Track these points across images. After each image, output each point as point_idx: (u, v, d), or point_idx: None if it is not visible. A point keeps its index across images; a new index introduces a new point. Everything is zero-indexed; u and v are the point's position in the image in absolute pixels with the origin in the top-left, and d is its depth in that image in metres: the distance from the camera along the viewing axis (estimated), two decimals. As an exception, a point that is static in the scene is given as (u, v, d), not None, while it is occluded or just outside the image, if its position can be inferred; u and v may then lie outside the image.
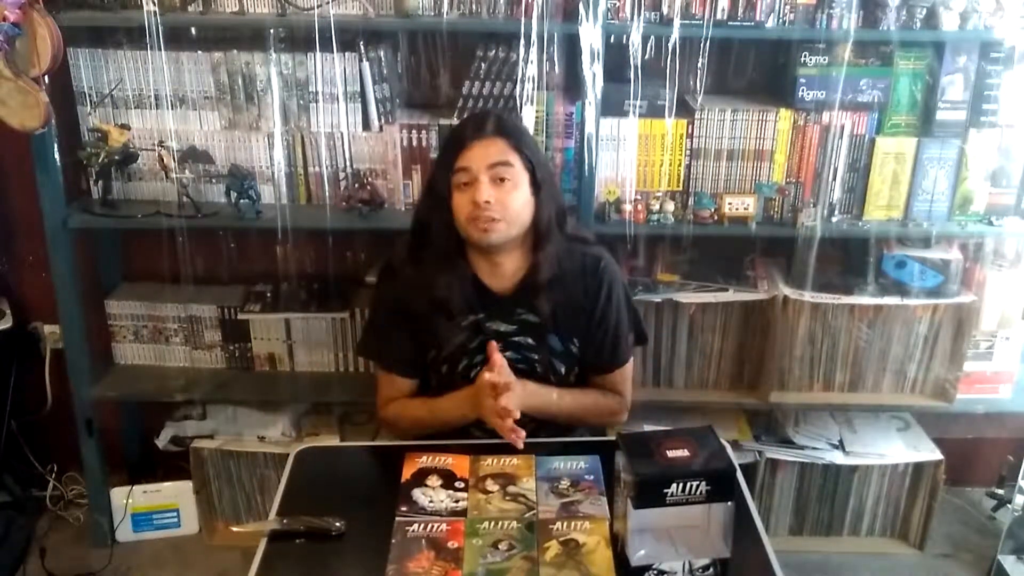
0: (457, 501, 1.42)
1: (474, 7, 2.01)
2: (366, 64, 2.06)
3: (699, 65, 2.01)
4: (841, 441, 2.35)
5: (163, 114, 2.09)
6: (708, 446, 1.26)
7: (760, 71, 2.26)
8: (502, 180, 1.56)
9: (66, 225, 2.10)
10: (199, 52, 2.06)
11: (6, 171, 2.32)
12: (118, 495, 2.39)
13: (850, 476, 2.35)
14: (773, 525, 2.39)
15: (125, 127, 2.07)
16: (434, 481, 1.46)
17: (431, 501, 1.42)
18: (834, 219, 2.14)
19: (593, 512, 1.39)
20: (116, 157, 2.06)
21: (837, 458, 2.31)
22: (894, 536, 2.43)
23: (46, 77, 1.90)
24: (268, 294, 2.32)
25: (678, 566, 1.25)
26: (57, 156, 2.03)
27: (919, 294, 2.16)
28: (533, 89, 1.99)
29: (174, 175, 2.08)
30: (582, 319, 1.69)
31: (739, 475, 1.35)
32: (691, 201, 2.14)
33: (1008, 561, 2.27)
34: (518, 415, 1.53)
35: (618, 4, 1.97)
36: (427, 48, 2.22)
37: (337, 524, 1.36)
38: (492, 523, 1.37)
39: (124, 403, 2.47)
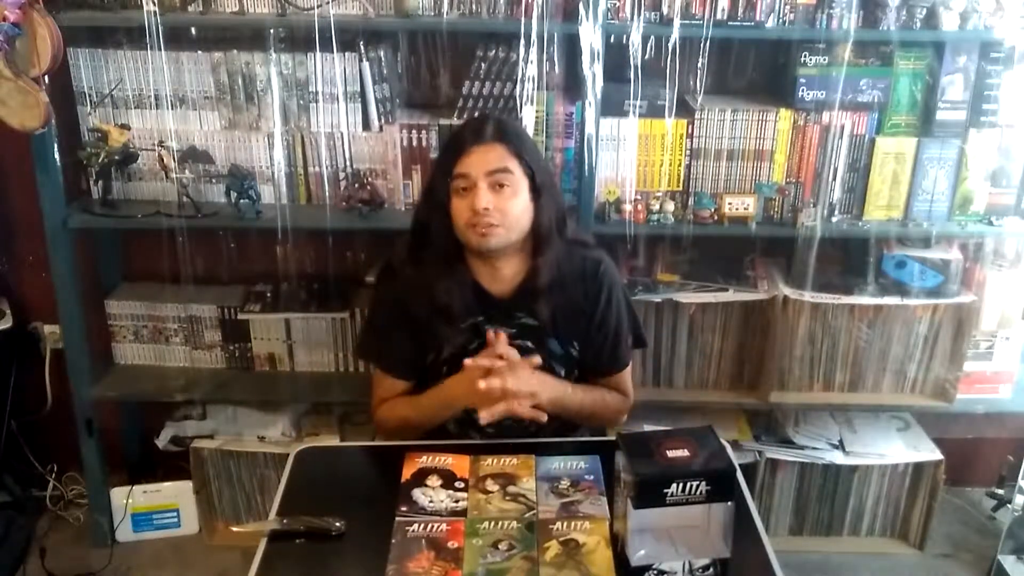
0: (457, 501, 1.41)
1: (474, 7, 2.01)
2: (366, 64, 2.06)
3: (699, 65, 2.01)
4: (841, 441, 2.35)
5: (163, 114, 2.09)
6: (708, 446, 1.26)
7: (760, 71, 2.26)
8: (501, 186, 1.55)
9: (66, 225, 2.10)
10: (199, 52, 2.06)
11: (6, 171, 2.33)
12: (118, 495, 2.39)
13: (850, 476, 2.35)
14: (773, 525, 2.39)
15: (125, 127, 2.08)
16: (434, 481, 1.46)
17: (431, 501, 1.41)
18: (834, 219, 2.14)
19: (593, 512, 1.39)
20: (116, 157, 2.06)
21: (837, 458, 2.31)
22: (894, 536, 2.44)
23: (46, 77, 1.90)
24: (268, 294, 2.32)
25: (678, 566, 1.25)
26: (57, 156, 2.03)
27: (919, 294, 2.16)
28: (533, 89, 1.99)
29: (174, 175, 2.08)
30: (582, 322, 1.69)
31: (739, 475, 1.35)
32: (691, 201, 2.14)
33: (1008, 561, 2.27)
34: (520, 391, 1.54)
35: (618, 4, 1.97)
36: (427, 48, 2.22)
37: (337, 524, 1.36)
38: (492, 523, 1.37)
39: (124, 403, 2.47)
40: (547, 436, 1.65)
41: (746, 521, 1.38)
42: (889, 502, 2.40)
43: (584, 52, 1.93)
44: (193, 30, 2.05)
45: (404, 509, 1.40)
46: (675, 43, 1.96)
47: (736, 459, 1.38)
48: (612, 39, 1.96)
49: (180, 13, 1.99)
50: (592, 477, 1.47)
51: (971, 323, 2.19)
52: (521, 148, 1.59)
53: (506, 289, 1.66)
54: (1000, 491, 2.44)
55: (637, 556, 1.25)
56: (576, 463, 1.51)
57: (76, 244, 2.17)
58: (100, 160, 2.05)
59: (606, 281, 1.69)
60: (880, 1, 1.96)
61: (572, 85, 2.06)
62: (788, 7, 1.99)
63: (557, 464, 1.50)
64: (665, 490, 1.19)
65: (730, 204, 2.13)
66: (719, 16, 1.98)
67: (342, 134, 2.12)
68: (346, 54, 2.04)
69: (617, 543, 1.31)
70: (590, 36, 1.92)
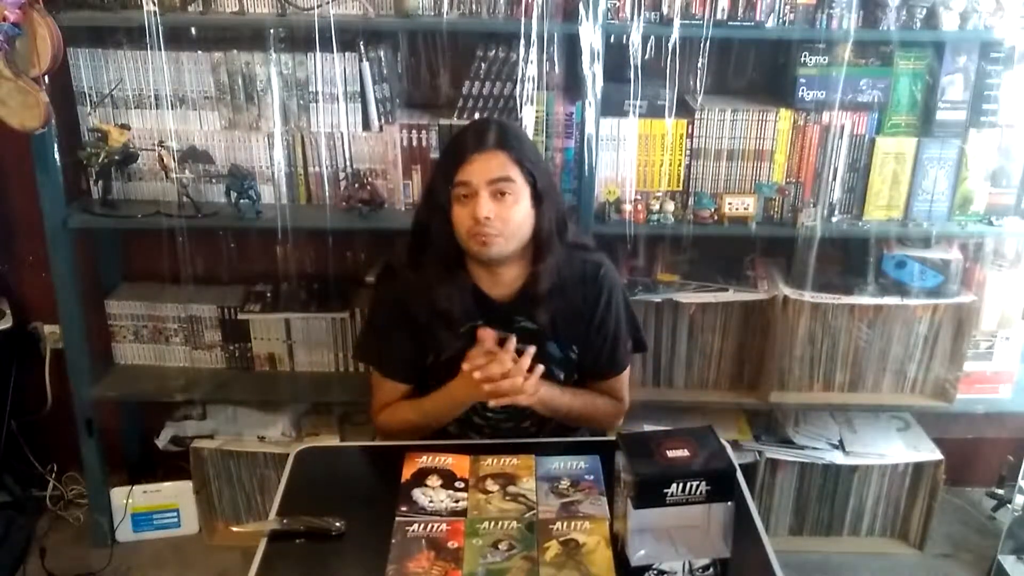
0: (457, 501, 1.41)
1: (474, 7, 2.01)
2: (366, 64, 2.06)
3: (699, 65, 2.01)
4: (841, 441, 2.35)
5: (163, 114, 2.09)
6: (708, 446, 1.26)
7: (760, 71, 2.26)
8: (503, 194, 1.54)
9: (66, 225, 2.10)
10: (199, 52, 2.06)
11: (6, 171, 2.32)
12: (118, 495, 2.39)
13: (850, 476, 2.35)
14: (773, 525, 2.39)
15: (125, 127, 2.07)
16: (434, 481, 1.46)
17: (431, 501, 1.41)
18: (834, 219, 2.14)
19: (593, 512, 1.39)
20: (116, 157, 2.06)
21: (837, 458, 2.31)
22: (894, 536, 2.44)
23: (46, 77, 1.90)
24: (268, 294, 2.32)
25: (678, 566, 1.25)
26: (57, 156, 2.03)
27: (919, 294, 2.16)
28: (533, 89, 1.99)
29: (174, 175, 2.08)
30: (581, 326, 1.69)
31: (739, 475, 1.35)
32: (691, 201, 2.14)
33: (1008, 561, 2.27)
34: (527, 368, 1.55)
35: (618, 4, 1.97)
36: (427, 48, 2.22)
37: (337, 524, 1.36)
38: (492, 523, 1.37)
39: (124, 403, 2.47)
40: (547, 436, 1.65)
41: (746, 521, 1.38)
42: (889, 502, 2.40)
43: (584, 52, 1.93)
44: (193, 30, 2.04)
45: (404, 509, 1.40)
46: (675, 43, 1.96)
47: (736, 459, 1.38)
48: (612, 39, 1.96)
49: (180, 13, 1.99)
50: (592, 477, 1.47)
51: (971, 323, 2.19)
52: (523, 155, 1.57)
53: (506, 293, 1.66)
54: (1000, 491, 2.44)
55: (637, 556, 1.25)
56: (576, 463, 1.51)
57: (76, 244, 2.17)
58: (100, 160, 2.05)
59: (606, 285, 1.68)
60: (880, 1, 1.96)
61: (572, 85, 2.06)
62: (788, 7, 1.99)
63: (557, 464, 1.50)
64: (665, 490, 1.19)
65: (730, 204, 2.13)
66: (719, 16, 1.98)
67: (342, 134, 2.12)
68: (346, 54, 2.04)
69: (617, 543, 1.31)
70: (590, 36, 1.92)
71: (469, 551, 1.31)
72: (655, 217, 2.13)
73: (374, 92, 2.09)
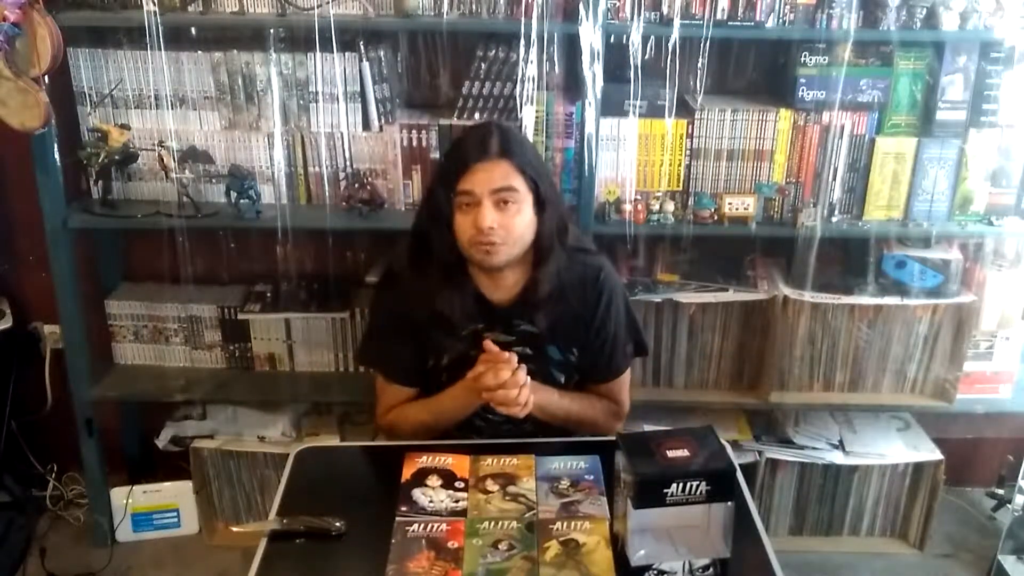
0: (457, 501, 1.41)
1: (474, 7, 2.01)
2: (366, 64, 2.06)
3: (699, 65, 2.01)
4: (841, 441, 2.35)
5: (163, 114, 2.09)
6: (708, 446, 1.26)
7: (760, 71, 2.26)
8: (506, 203, 1.53)
9: (66, 225, 2.10)
10: (199, 52, 2.06)
11: (6, 171, 2.33)
12: (118, 495, 2.39)
13: (850, 476, 2.35)
14: (773, 525, 2.39)
15: (125, 127, 2.07)
16: (434, 481, 1.46)
17: (431, 501, 1.41)
18: (834, 219, 2.14)
19: (593, 512, 1.39)
20: (116, 157, 2.06)
21: (837, 458, 2.31)
22: (894, 536, 2.44)
23: (46, 77, 1.90)
24: (268, 294, 2.32)
25: (678, 566, 1.25)
26: (57, 156, 2.03)
27: (919, 294, 2.16)
28: (533, 89, 1.98)
29: (174, 175, 2.08)
30: (581, 330, 1.68)
31: (739, 475, 1.35)
32: (691, 201, 2.14)
33: (1008, 561, 2.27)
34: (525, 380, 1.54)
35: (618, 4, 1.97)
36: (427, 48, 2.22)
37: (337, 524, 1.36)
38: (492, 523, 1.37)
39: (124, 403, 2.47)
40: (547, 436, 1.65)
41: (746, 521, 1.38)
42: (889, 502, 2.40)
43: (584, 52, 1.93)
44: (193, 30, 2.04)
45: (404, 509, 1.40)
46: (675, 43, 1.96)
47: (736, 459, 1.38)
48: (612, 39, 1.96)
49: (180, 13, 1.99)
50: (592, 477, 1.47)
51: (971, 323, 2.19)
52: (525, 162, 1.56)
53: (506, 297, 1.66)
54: (1000, 491, 2.44)
55: (637, 556, 1.25)
56: (576, 463, 1.50)
57: (76, 244, 2.17)
58: (100, 160, 2.05)
59: (606, 288, 1.68)
60: (880, 1, 1.96)
61: (572, 85, 2.06)
62: (788, 7, 1.99)
63: (557, 464, 1.50)
64: (665, 490, 1.19)
65: (730, 204, 2.13)
66: (719, 16, 1.98)
67: (342, 134, 2.11)
68: (346, 54, 2.04)
69: (617, 543, 1.31)
70: (590, 36, 1.92)
71: (469, 551, 1.31)
72: (655, 217, 2.13)
73: (374, 92, 2.09)
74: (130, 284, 2.40)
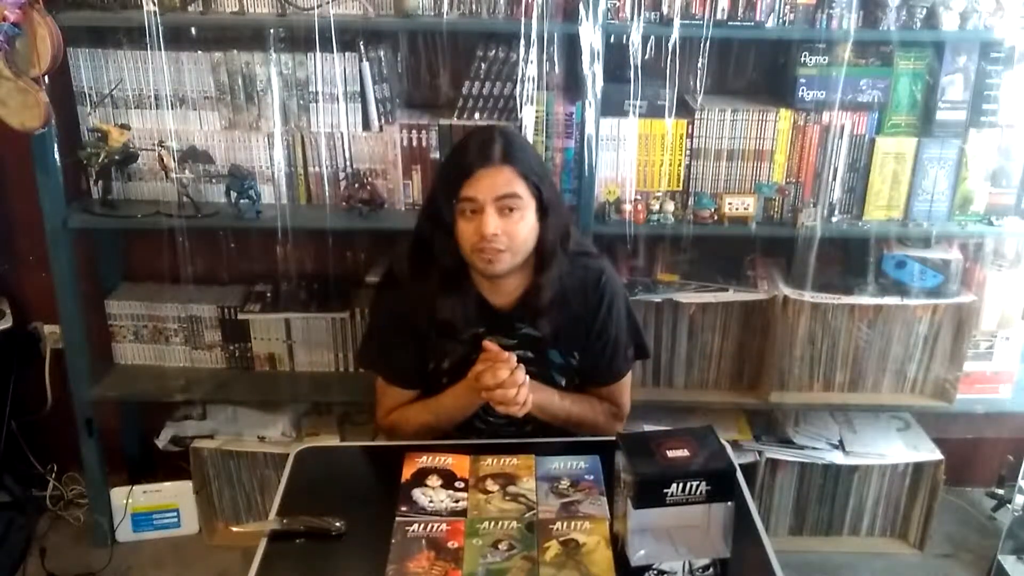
0: (457, 501, 1.41)
1: (474, 7, 2.01)
2: (366, 64, 2.06)
3: (699, 65, 2.01)
4: (841, 441, 2.35)
5: (163, 114, 2.09)
6: (708, 446, 1.26)
7: (760, 71, 2.26)
8: (510, 210, 1.53)
9: (66, 225, 2.10)
10: (199, 52, 2.06)
11: (6, 171, 2.33)
12: (118, 495, 2.39)
13: (850, 476, 2.35)
14: (773, 525, 2.39)
15: (125, 127, 2.07)
16: (434, 481, 1.46)
17: (431, 501, 1.41)
18: (834, 219, 2.14)
19: (593, 512, 1.39)
20: (116, 157, 2.06)
21: (837, 458, 2.31)
22: (894, 536, 2.44)
23: (46, 77, 1.90)
24: (268, 294, 2.32)
25: (678, 566, 1.25)
26: (57, 156, 2.03)
27: (919, 294, 2.16)
28: (533, 89, 1.98)
29: (174, 175, 2.08)
30: (582, 333, 1.68)
31: (739, 475, 1.35)
32: (691, 201, 2.14)
33: (1008, 561, 2.27)
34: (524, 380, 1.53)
35: (618, 4, 1.97)
36: (427, 48, 2.22)
37: (337, 524, 1.36)
38: (492, 523, 1.37)
39: (124, 403, 2.46)
40: (547, 436, 1.65)
41: (746, 521, 1.38)
42: (889, 502, 2.40)
43: (584, 52, 1.93)
44: (193, 30, 2.04)
45: (404, 509, 1.40)
46: (675, 43, 1.96)
47: (736, 459, 1.39)
48: (612, 39, 1.96)
49: (180, 13, 1.99)
50: (592, 477, 1.47)
51: (971, 323, 2.19)
52: (529, 168, 1.55)
53: (508, 301, 1.65)
54: (1000, 491, 2.44)
55: (637, 556, 1.26)
56: (576, 463, 1.51)
57: (76, 244, 2.17)
58: (100, 160, 2.05)
59: (607, 292, 1.68)
60: (880, 1, 1.96)
61: (572, 85, 2.06)
62: (788, 7, 1.99)
63: (557, 464, 1.50)
64: (665, 490, 1.19)
65: (730, 204, 2.13)
66: (719, 16, 1.98)
67: (342, 134, 2.11)
68: (346, 54, 2.04)
69: (617, 543, 1.31)
70: (590, 36, 1.92)
71: (469, 551, 1.31)
72: (655, 217, 2.13)
73: (374, 92, 2.09)
74: (130, 284, 2.40)
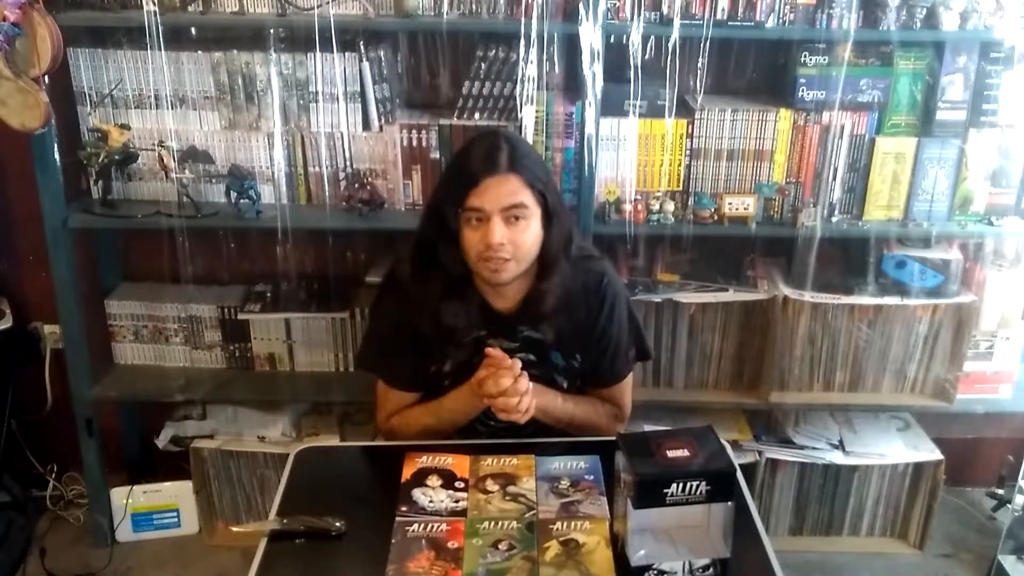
0: (457, 501, 1.41)
1: (474, 7, 2.01)
2: (366, 64, 2.06)
3: (699, 65, 2.01)
4: (841, 441, 2.35)
5: (163, 114, 2.09)
6: (708, 446, 1.26)
7: (760, 71, 2.26)
8: (516, 219, 1.52)
9: (66, 225, 2.10)
10: (199, 52, 2.06)
11: (6, 171, 2.33)
12: (118, 495, 2.39)
13: (850, 476, 2.35)
14: (773, 525, 2.39)
15: (125, 127, 2.07)
16: (434, 481, 1.46)
17: (431, 501, 1.41)
18: (834, 219, 2.14)
19: (593, 512, 1.39)
20: (116, 157, 2.06)
21: (837, 458, 2.31)
22: (894, 536, 2.44)
23: (46, 77, 1.90)
24: (268, 294, 2.32)
25: (678, 566, 1.25)
26: (57, 156, 2.03)
27: (919, 294, 2.16)
28: (533, 89, 1.99)
29: (174, 175, 2.08)
30: (584, 336, 1.68)
31: (739, 475, 1.35)
32: (691, 201, 2.14)
33: (1008, 561, 2.27)
34: (527, 386, 1.53)
35: (618, 4, 1.97)
36: (427, 48, 2.22)
37: (337, 524, 1.36)
38: (492, 523, 1.37)
39: (124, 403, 2.46)
40: (547, 436, 1.65)
41: (746, 521, 1.38)
42: (889, 502, 2.40)
43: (584, 52, 1.93)
44: (193, 30, 2.05)
45: (404, 509, 1.40)
46: (675, 43, 1.96)
47: (736, 459, 1.38)
48: (612, 39, 1.96)
49: (180, 13, 1.99)
50: (592, 477, 1.47)
51: (971, 323, 2.19)
52: (534, 176, 1.54)
53: (510, 305, 1.65)
54: (1000, 491, 2.44)
55: (637, 556, 1.26)
56: (576, 463, 1.51)
57: (76, 244, 2.17)
58: (100, 160, 2.05)
59: (609, 295, 1.67)
60: (880, 1, 1.96)
61: (572, 85, 2.06)
62: (788, 7, 1.99)
63: (557, 464, 1.50)
64: (665, 490, 1.19)
65: (730, 204, 2.13)
66: (719, 16, 1.98)
67: (342, 134, 2.11)
68: (346, 54, 2.04)
69: (617, 543, 1.31)
70: (590, 36, 1.92)
71: (469, 551, 1.31)
72: (655, 217, 2.13)
73: (374, 92, 2.09)
74: (130, 284, 2.40)
